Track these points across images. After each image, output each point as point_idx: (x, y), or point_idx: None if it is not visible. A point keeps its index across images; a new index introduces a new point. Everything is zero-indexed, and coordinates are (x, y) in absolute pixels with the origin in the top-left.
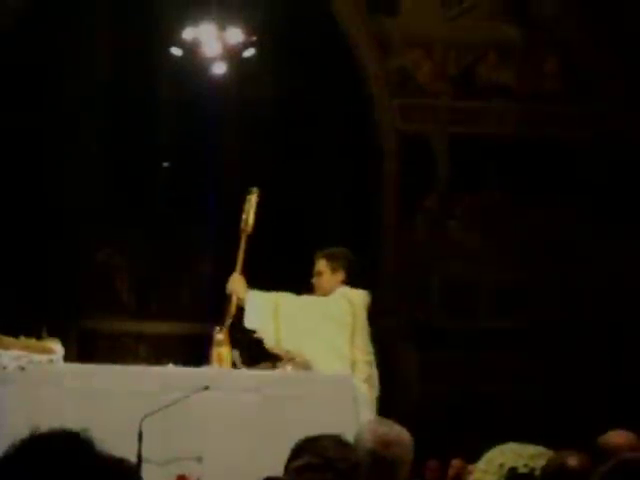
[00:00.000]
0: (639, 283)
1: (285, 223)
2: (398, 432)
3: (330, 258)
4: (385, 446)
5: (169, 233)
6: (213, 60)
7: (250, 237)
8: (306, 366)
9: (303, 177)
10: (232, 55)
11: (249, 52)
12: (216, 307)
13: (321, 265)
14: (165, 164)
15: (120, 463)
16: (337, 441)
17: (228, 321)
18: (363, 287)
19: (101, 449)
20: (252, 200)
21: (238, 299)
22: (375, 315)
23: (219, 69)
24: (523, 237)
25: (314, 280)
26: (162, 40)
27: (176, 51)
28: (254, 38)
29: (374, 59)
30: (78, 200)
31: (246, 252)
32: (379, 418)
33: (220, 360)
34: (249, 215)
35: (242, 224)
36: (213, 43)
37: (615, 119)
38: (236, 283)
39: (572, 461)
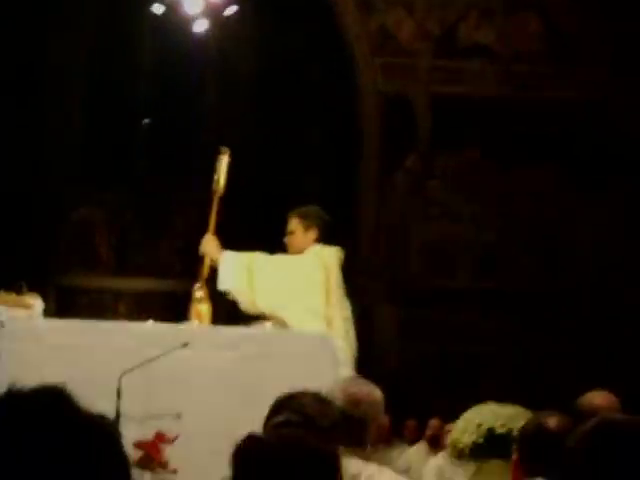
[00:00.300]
0: (620, 243)
1: (265, 182)
2: (369, 391)
3: (303, 217)
4: (355, 405)
5: (149, 190)
6: (195, 18)
7: (222, 198)
8: (282, 325)
9: (283, 136)
10: (214, 13)
11: (231, 10)
12: (195, 264)
13: (293, 224)
14: (145, 121)
15: (101, 419)
16: (316, 398)
17: (202, 282)
18: (340, 246)
19: (82, 404)
20: (223, 160)
21: (211, 260)
22: (355, 275)
23: (200, 27)
24: (504, 197)
25: (287, 239)
26: None
27: (157, 8)
28: None
29: (356, 18)
30: (59, 157)
31: (219, 213)
32: (351, 377)
33: (199, 317)
34: (220, 176)
35: (214, 185)
36: (195, 0)
37: (599, 81)
38: (209, 244)
39: (551, 422)
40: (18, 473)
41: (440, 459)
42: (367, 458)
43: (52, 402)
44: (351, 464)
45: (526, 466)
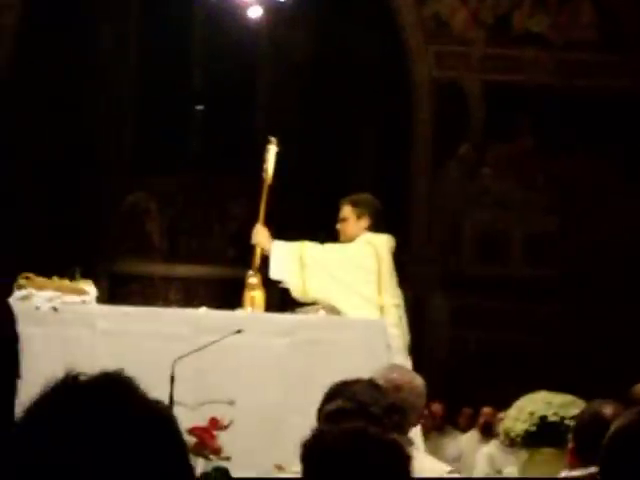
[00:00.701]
0: None
1: (317, 170)
2: (411, 378)
3: (355, 204)
4: (396, 390)
5: (201, 176)
6: (249, 4)
7: (272, 187)
8: (335, 312)
9: (336, 124)
10: None
11: None
12: (247, 250)
13: (346, 211)
14: (198, 107)
15: (160, 406)
16: (370, 385)
17: (254, 270)
18: (393, 234)
19: (142, 391)
20: (272, 150)
21: (263, 250)
22: (407, 263)
23: (254, 13)
24: (556, 186)
25: (339, 226)
26: None
27: None
28: None
29: (410, 5)
30: (111, 143)
31: (269, 202)
32: (394, 364)
33: (253, 304)
34: (269, 165)
35: (263, 174)
36: None
37: None
38: (259, 234)
39: (607, 410)
40: (80, 462)
41: (492, 447)
42: (408, 444)
43: (115, 389)
44: None
45: (582, 454)
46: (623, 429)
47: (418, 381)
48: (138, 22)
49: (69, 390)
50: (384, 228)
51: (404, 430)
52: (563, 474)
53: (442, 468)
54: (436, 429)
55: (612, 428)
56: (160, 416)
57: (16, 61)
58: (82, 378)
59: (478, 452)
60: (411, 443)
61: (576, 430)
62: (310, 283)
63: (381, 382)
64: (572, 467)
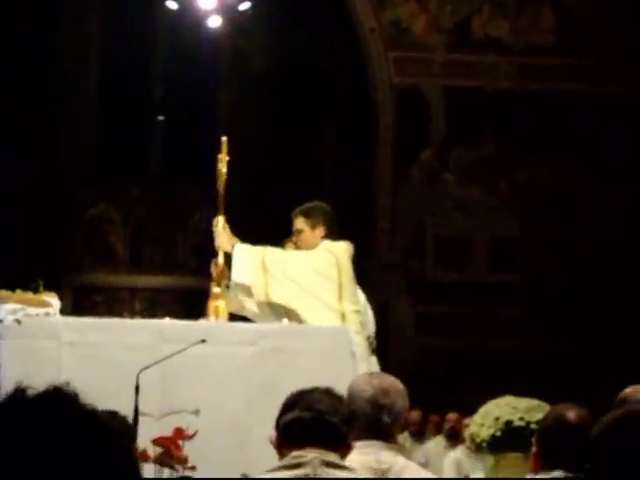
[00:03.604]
0: (636, 237)
1: (279, 178)
2: (392, 381)
3: (307, 215)
4: (384, 394)
5: (163, 187)
6: (209, 13)
7: (226, 193)
8: (298, 320)
9: (298, 130)
10: (227, 8)
11: (244, 5)
12: (210, 260)
13: (299, 223)
14: (159, 118)
15: (112, 416)
16: (328, 394)
17: (218, 279)
18: (355, 240)
19: (87, 402)
20: (223, 149)
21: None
22: (371, 269)
23: (214, 22)
24: (518, 191)
25: (295, 239)
26: None
27: (172, 4)
28: None
29: (369, 12)
30: (73, 156)
31: (226, 207)
32: (370, 372)
33: (217, 313)
34: (220, 172)
35: (217, 173)
36: None
37: (611, 73)
38: (220, 237)
39: (571, 414)
40: (19, 473)
41: (459, 452)
42: (397, 451)
43: (58, 402)
44: (381, 458)
45: (545, 458)
46: (607, 428)
47: (400, 385)
48: (98, 33)
49: (15, 404)
50: (339, 233)
51: (393, 434)
52: (529, 476)
53: None
54: (414, 436)
55: (596, 428)
56: (105, 429)
57: None
58: (29, 392)
59: (446, 458)
60: (404, 450)
61: (539, 434)
62: (272, 288)
63: (367, 387)
64: (535, 471)
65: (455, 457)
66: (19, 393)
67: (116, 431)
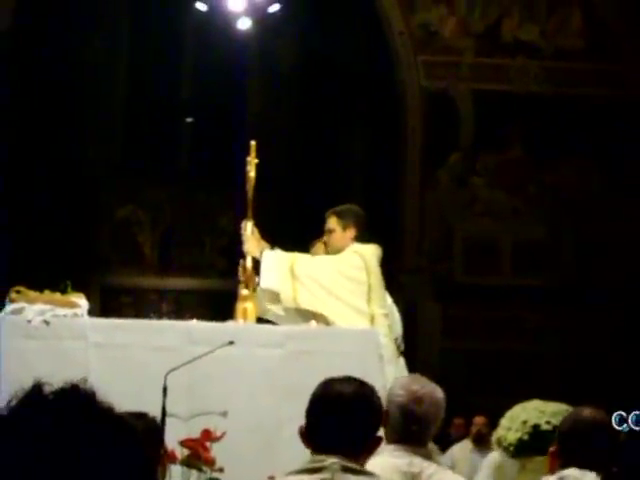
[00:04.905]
0: None
1: (308, 181)
2: (431, 390)
3: (340, 215)
4: (417, 402)
5: (192, 188)
6: (238, 15)
7: (255, 197)
8: (326, 323)
9: (326, 133)
10: (257, 10)
11: (273, 7)
12: (238, 262)
13: (332, 223)
14: (188, 119)
15: (141, 417)
16: (359, 394)
17: (246, 280)
18: (382, 243)
19: (105, 402)
20: (252, 153)
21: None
22: (398, 271)
23: (244, 24)
24: (546, 194)
25: (325, 238)
26: None
27: (201, 6)
28: None
29: (399, 15)
30: (103, 156)
31: (255, 213)
32: (414, 375)
33: (244, 315)
34: (250, 176)
35: (246, 178)
36: None
37: (636, 78)
38: (249, 243)
39: (587, 413)
40: (39, 473)
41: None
42: (428, 456)
43: (75, 400)
44: (413, 462)
45: (563, 457)
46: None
47: (439, 393)
48: (128, 33)
49: (32, 402)
50: (374, 237)
51: (424, 441)
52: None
53: None
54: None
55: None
56: (122, 427)
57: (8, 77)
58: (46, 390)
59: (484, 460)
60: (432, 455)
61: (558, 434)
62: (301, 294)
63: (402, 392)
64: (552, 469)
65: (495, 458)
66: (36, 390)
67: (134, 429)
